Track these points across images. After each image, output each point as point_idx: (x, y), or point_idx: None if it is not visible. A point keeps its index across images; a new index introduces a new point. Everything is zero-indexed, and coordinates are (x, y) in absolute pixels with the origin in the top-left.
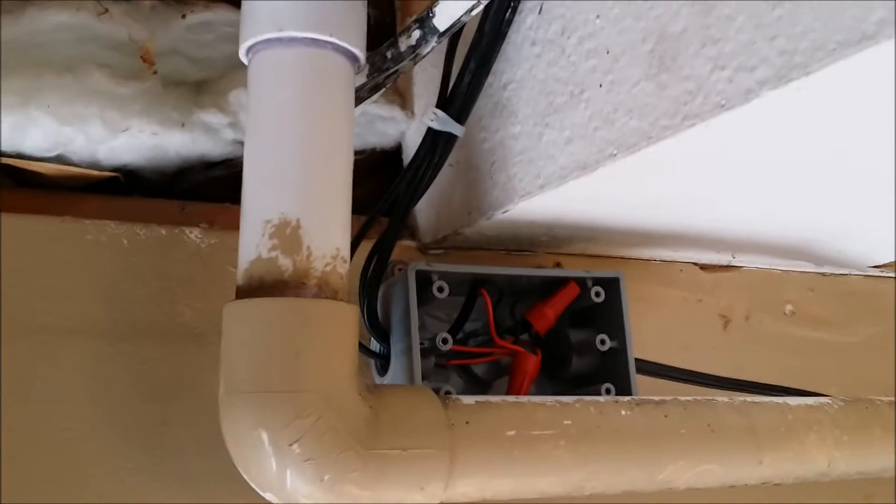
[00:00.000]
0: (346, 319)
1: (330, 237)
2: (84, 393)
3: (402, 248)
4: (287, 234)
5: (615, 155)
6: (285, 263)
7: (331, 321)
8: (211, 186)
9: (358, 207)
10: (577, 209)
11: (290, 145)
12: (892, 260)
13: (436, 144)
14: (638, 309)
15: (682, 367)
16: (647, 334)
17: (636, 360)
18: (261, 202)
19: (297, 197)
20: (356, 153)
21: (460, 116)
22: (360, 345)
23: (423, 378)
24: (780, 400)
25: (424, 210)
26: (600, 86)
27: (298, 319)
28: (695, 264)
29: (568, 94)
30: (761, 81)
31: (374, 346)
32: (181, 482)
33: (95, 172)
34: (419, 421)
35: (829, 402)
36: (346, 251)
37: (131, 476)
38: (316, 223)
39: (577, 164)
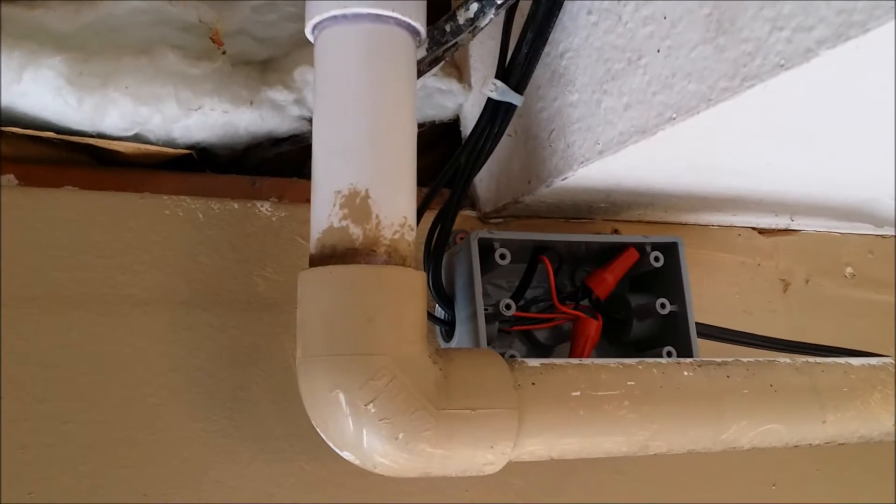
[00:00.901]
0: (414, 285)
1: (397, 206)
2: (166, 361)
3: (463, 217)
4: (357, 204)
5: (674, 118)
6: (356, 232)
7: (400, 286)
8: (278, 162)
9: (419, 180)
10: (636, 175)
11: (357, 118)
12: None
13: (496, 114)
14: (697, 274)
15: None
16: (706, 299)
17: (696, 324)
18: (331, 174)
19: (366, 168)
20: (417, 125)
21: (519, 86)
22: (428, 312)
23: (488, 344)
24: (842, 360)
25: (485, 180)
26: (658, 51)
27: (370, 285)
28: (753, 229)
29: (626, 61)
30: (820, 41)
31: (440, 313)
32: (259, 445)
33: (171, 150)
34: (487, 382)
35: (893, 361)
36: (412, 219)
37: (213, 439)
38: (384, 192)
39: (637, 129)
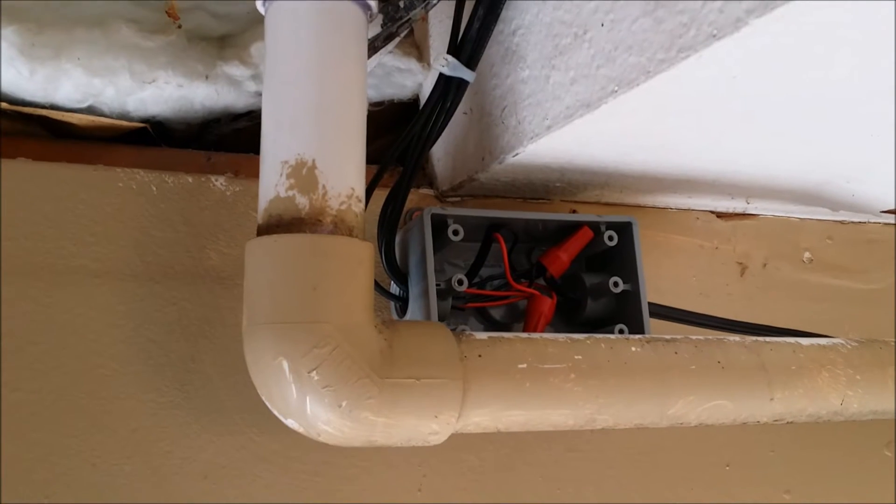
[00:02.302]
0: (361, 255)
1: (345, 177)
2: (117, 332)
3: (421, 196)
4: (303, 174)
5: (616, 91)
6: (302, 202)
7: (346, 256)
8: (236, 139)
9: (378, 159)
10: (586, 152)
11: (306, 90)
12: None
13: (448, 90)
14: (654, 256)
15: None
16: (663, 281)
17: (650, 304)
18: (278, 144)
19: (313, 138)
20: (374, 105)
21: (470, 62)
22: (380, 287)
23: (441, 320)
24: (791, 340)
25: (441, 159)
26: (602, 25)
27: (315, 254)
28: (711, 212)
29: (572, 36)
30: (749, 10)
31: (395, 289)
32: (210, 416)
33: (125, 123)
34: (433, 353)
35: (843, 342)
36: (360, 191)
37: (163, 409)
38: (331, 163)
39: (582, 103)
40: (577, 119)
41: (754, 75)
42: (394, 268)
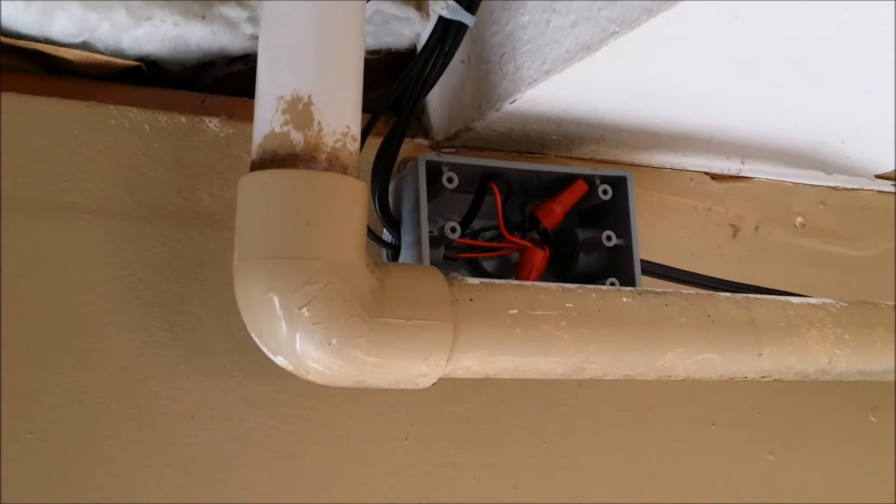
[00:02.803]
0: (354, 193)
1: (340, 115)
2: (107, 270)
3: (416, 146)
4: (299, 110)
5: (617, 32)
6: (297, 138)
7: (340, 193)
8: (231, 83)
9: (375, 108)
10: (584, 100)
11: (302, 26)
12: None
13: (446, 34)
14: (648, 216)
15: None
16: (656, 240)
17: (643, 261)
18: (274, 79)
19: (309, 74)
20: (372, 53)
21: (471, 5)
22: (373, 234)
23: None
24: (782, 298)
25: (438, 108)
26: None
27: (308, 190)
28: (706, 173)
29: None
30: None
31: (387, 237)
32: (198, 357)
33: (120, 60)
34: (424, 294)
35: (832, 302)
36: (356, 129)
37: (151, 350)
38: (327, 100)
39: (582, 46)
40: (577, 62)
41: (754, 18)
42: (387, 214)
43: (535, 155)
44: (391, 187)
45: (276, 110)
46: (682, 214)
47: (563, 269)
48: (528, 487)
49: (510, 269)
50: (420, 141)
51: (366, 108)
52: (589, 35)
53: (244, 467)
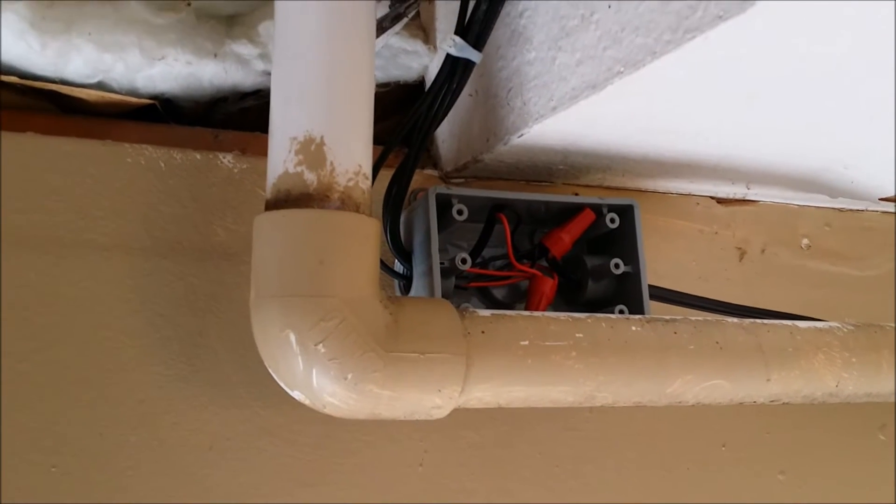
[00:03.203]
0: (367, 231)
1: (352, 154)
2: (125, 305)
3: (426, 177)
4: (312, 150)
5: (622, 73)
6: (310, 178)
7: (353, 232)
8: (243, 118)
9: (384, 140)
10: (590, 134)
11: (314, 67)
12: None
13: (454, 71)
14: (654, 240)
15: None
16: (663, 265)
17: (650, 286)
18: (287, 120)
19: (321, 115)
20: (381, 86)
21: (478, 43)
22: (385, 265)
23: (444, 298)
24: (789, 323)
25: (447, 140)
26: (609, 7)
27: (322, 229)
28: (711, 198)
29: (579, 18)
30: None
31: (399, 268)
32: (216, 389)
33: (134, 99)
34: (437, 328)
35: (839, 325)
36: (367, 168)
37: (170, 382)
38: (339, 140)
39: (588, 84)
40: (583, 100)
41: (759, 56)
42: (398, 246)
43: (543, 183)
44: (402, 219)
45: (290, 151)
46: (688, 238)
47: (572, 296)
48: None
49: (520, 297)
50: (430, 172)
51: (376, 139)
52: (594, 74)
53: (262, 496)
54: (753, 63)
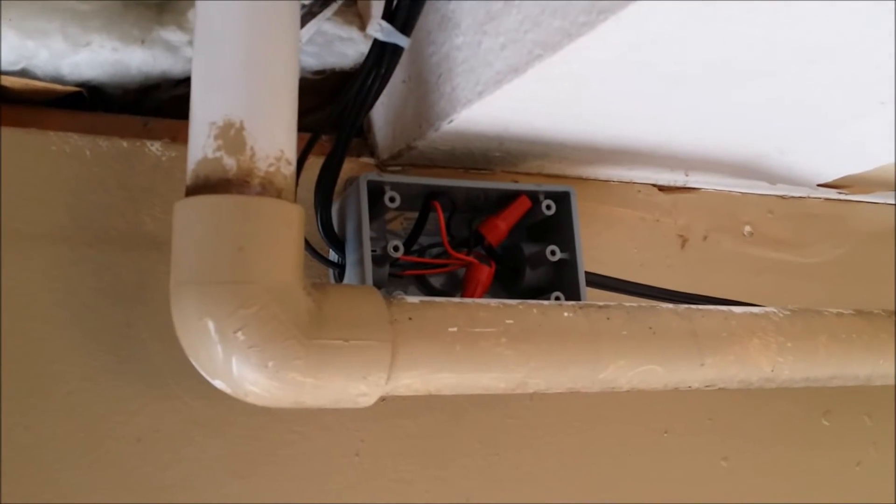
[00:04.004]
0: (289, 217)
1: (273, 139)
2: (50, 295)
3: (361, 165)
4: (231, 135)
5: (541, 56)
6: (229, 163)
7: (274, 218)
8: (176, 105)
9: (319, 128)
10: (521, 120)
11: (234, 51)
12: (838, 177)
13: (382, 56)
14: (595, 228)
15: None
16: (604, 252)
17: (589, 273)
18: (207, 105)
19: (241, 99)
20: (316, 73)
21: (405, 27)
22: (318, 254)
23: (379, 287)
24: (724, 308)
25: (383, 128)
26: None
27: (241, 215)
28: (653, 185)
29: (503, 1)
30: None
31: (333, 257)
32: (145, 381)
33: (59, 87)
34: (362, 315)
35: (775, 311)
36: (291, 154)
37: (97, 374)
38: (259, 125)
39: (511, 68)
40: (507, 84)
41: (673, 40)
42: (331, 235)
43: (482, 171)
44: (336, 207)
45: (209, 136)
46: (630, 226)
47: (510, 284)
48: (481, 500)
49: (459, 286)
50: (366, 160)
51: (311, 128)
52: (517, 58)
53: (194, 488)
54: (669, 47)
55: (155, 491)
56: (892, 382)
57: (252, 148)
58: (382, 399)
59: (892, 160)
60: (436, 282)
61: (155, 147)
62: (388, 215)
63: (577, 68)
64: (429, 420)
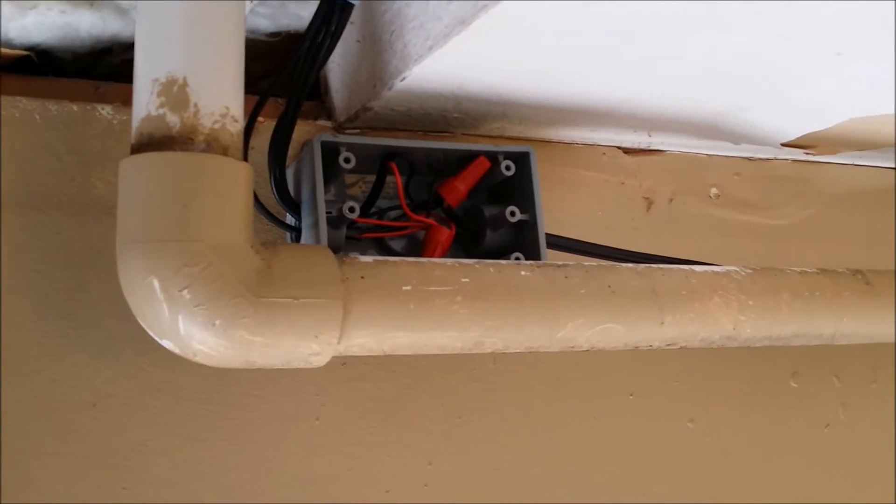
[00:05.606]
0: (235, 175)
1: (218, 96)
2: None
3: (318, 127)
4: (174, 92)
5: (486, 6)
6: (173, 120)
7: (219, 175)
8: (128, 70)
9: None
10: (476, 79)
11: (177, 7)
12: (800, 136)
13: (331, 12)
14: (559, 191)
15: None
16: (569, 215)
17: (551, 235)
18: (150, 62)
19: (184, 56)
20: (270, 35)
21: None
22: (275, 218)
23: (336, 251)
24: (685, 267)
25: (339, 90)
26: None
27: (185, 172)
28: (618, 148)
29: None
30: None
31: (291, 220)
32: (98, 345)
33: (7, 51)
34: (312, 273)
35: (737, 269)
36: (237, 110)
37: (48, 338)
38: (203, 82)
39: (458, 20)
40: (455, 37)
41: None
42: (285, 196)
43: (442, 133)
44: (292, 169)
45: (152, 93)
46: (594, 189)
47: (471, 246)
48: (443, 463)
49: (420, 247)
50: (324, 122)
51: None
52: (463, 10)
53: (150, 452)
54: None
55: (110, 455)
56: (858, 342)
57: (196, 104)
58: (343, 364)
59: (852, 116)
60: (396, 245)
61: (106, 111)
62: (348, 180)
63: (524, 20)
64: (390, 384)
